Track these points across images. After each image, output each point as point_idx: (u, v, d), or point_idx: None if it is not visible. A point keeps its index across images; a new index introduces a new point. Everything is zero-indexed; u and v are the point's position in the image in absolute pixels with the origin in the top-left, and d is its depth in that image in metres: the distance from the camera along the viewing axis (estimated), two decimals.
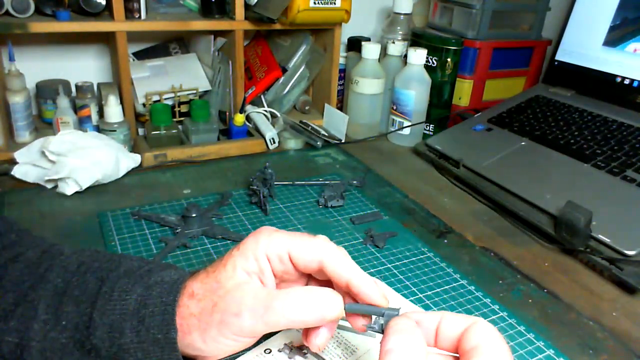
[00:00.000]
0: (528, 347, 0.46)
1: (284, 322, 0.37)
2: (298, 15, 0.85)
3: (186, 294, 0.38)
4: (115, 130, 0.78)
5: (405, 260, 0.58)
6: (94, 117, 0.83)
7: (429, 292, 0.53)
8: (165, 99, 0.89)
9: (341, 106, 1.06)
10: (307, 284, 0.43)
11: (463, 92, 0.98)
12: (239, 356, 0.42)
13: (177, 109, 0.90)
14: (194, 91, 0.91)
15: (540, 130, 0.83)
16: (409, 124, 0.92)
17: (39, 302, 0.37)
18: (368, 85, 0.92)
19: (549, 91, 0.96)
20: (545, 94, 0.95)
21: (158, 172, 0.77)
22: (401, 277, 0.55)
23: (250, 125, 0.92)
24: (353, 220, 0.66)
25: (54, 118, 0.81)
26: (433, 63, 0.93)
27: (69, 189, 0.68)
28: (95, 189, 0.70)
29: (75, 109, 0.83)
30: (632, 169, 0.70)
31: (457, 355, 0.32)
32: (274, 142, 0.88)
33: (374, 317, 0.37)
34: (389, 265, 0.57)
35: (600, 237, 0.60)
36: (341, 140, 0.93)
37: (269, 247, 0.39)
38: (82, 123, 0.83)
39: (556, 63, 0.97)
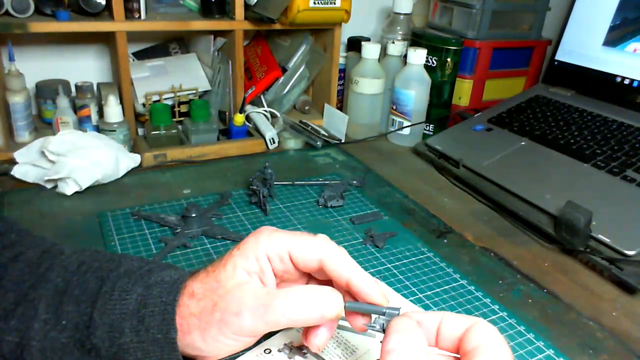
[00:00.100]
0: (528, 347, 0.46)
1: (284, 321, 0.37)
2: (298, 15, 0.85)
3: (186, 294, 0.38)
4: (115, 130, 0.78)
5: (405, 260, 0.58)
6: (94, 117, 0.83)
7: (429, 292, 0.53)
8: (165, 99, 0.89)
9: (341, 106, 1.06)
10: (307, 284, 0.43)
11: (463, 92, 0.98)
12: (239, 356, 0.42)
13: (177, 109, 0.90)
14: (194, 91, 0.91)
15: (540, 130, 0.83)
16: (409, 124, 0.92)
17: (40, 301, 0.37)
18: (368, 85, 0.92)
19: (549, 91, 0.96)
20: (545, 94, 0.95)
21: (158, 172, 0.77)
22: (401, 277, 0.55)
23: (250, 125, 0.92)
24: (353, 220, 0.66)
25: (54, 118, 0.81)
26: (433, 63, 0.93)
27: (68, 189, 0.68)
28: (95, 189, 0.70)
29: (75, 109, 0.83)
30: (632, 169, 0.70)
31: (458, 355, 0.32)
32: (274, 142, 0.88)
33: (374, 316, 0.37)
34: (389, 265, 0.57)
35: (600, 237, 0.60)
36: (341, 140, 0.93)
37: (270, 246, 0.39)
38: (81, 123, 0.83)
39: (556, 63, 0.97)
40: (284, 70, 0.97)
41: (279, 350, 0.43)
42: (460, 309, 0.51)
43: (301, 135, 0.91)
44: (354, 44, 1.03)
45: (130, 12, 0.81)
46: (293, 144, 0.90)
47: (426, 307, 0.51)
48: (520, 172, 0.74)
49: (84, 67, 0.94)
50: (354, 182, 0.76)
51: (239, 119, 0.86)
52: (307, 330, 0.39)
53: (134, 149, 0.81)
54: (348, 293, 0.39)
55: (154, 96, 0.88)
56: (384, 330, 0.35)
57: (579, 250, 0.61)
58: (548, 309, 0.53)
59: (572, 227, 0.60)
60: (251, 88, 0.95)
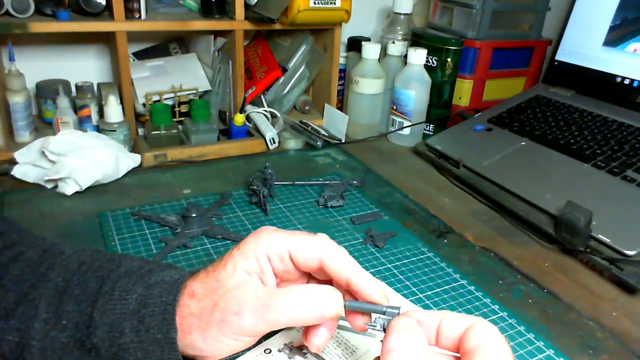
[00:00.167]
0: (528, 347, 0.46)
1: (284, 320, 0.37)
2: (298, 15, 0.85)
3: (186, 294, 0.38)
4: (115, 130, 0.78)
5: (405, 260, 0.58)
6: (94, 117, 0.83)
7: (429, 292, 0.53)
8: (165, 99, 0.89)
9: (341, 106, 1.06)
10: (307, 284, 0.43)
11: (463, 92, 0.98)
12: (239, 356, 0.42)
13: (177, 109, 0.91)
14: (194, 91, 0.91)
15: (540, 130, 0.83)
16: (409, 124, 0.92)
17: (40, 301, 0.37)
18: (368, 85, 0.92)
19: (549, 91, 0.96)
20: (545, 94, 0.95)
21: (158, 172, 0.77)
22: (401, 277, 0.55)
23: (250, 125, 0.92)
24: (353, 220, 0.66)
25: (54, 118, 0.81)
26: (433, 63, 0.93)
27: (69, 189, 0.68)
28: (95, 189, 0.70)
29: (75, 109, 0.83)
30: (632, 169, 0.70)
31: (458, 355, 0.32)
32: (274, 142, 0.88)
33: (374, 315, 0.37)
34: (389, 265, 0.57)
35: (600, 237, 0.60)
36: (341, 140, 0.93)
37: (270, 246, 0.39)
38: (82, 123, 0.83)
39: (556, 63, 0.97)
40: (284, 70, 0.97)
41: (279, 350, 0.43)
42: (460, 309, 0.51)
43: (301, 135, 0.91)
44: (354, 44, 1.03)
45: (130, 12, 0.81)
46: (293, 144, 0.90)
47: (426, 307, 0.51)
48: (520, 172, 0.74)
49: (84, 67, 0.94)
50: (354, 182, 0.76)
51: (239, 119, 0.86)
52: (307, 330, 0.39)
53: (134, 149, 0.81)
54: (348, 292, 0.39)
55: (154, 96, 0.88)
56: (384, 330, 0.35)
57: (579, 250, 0.61)
58: (548, 309, 0.53)
59: (572, 227, 0.60)
60: (251, 88, 0.95)
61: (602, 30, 0.89)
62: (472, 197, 0.76)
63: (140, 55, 0.95)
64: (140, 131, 0.89)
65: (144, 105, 0.88)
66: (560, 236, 0.63)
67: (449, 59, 0.92)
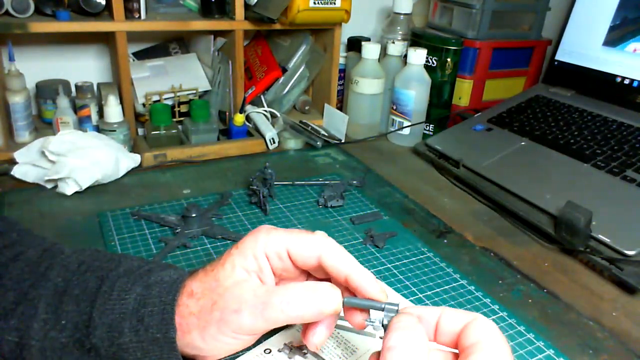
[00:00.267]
0: (528, 347, 0.46)
1: (283, 317, 0.37)
2: (298, 15, 0.85)
3: (185, 293, 0.38)
4: (115, 130, 0.78)
5: (405, 260, 0.58)
6: (94, 117, 0.83)
7: (429, 292, 0.53)
8: (165, 99, 0.89)
9: (341, 106, 1.06)
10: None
11: (463, 92, 0.98)
12: (238, 356, 0.42)
13: (177, 109, 0.90)
14: (194, 91, 0.91)
15: (540, 130, 0.83)
16: (409, 124, 0.92)
17: (39, 301, 0.37)
18: (368, 85, 0.92)
19: (549, 91, 0.96)
20: (545, 94, 0.95)
21: (158, 172, 0.77)
22: (401, 277, 0.55)
23: (250, 125, 0.92)
24: (353, 220, 0.66)
25: (54, 118, 0.81)
26: (433, 63, 0.93)
27: (68, 189, 0.68)
28: (95, 189, 0.70)
29: (75, 109, 0.83)
30: (632, 169, 0.70)
31: (457, 351, 0.32)
32: (274, 142, 0.88)
33: (372, 312, 0.37)
34: (389, 265, 0.57)
35: (600, 237, 0.60)
36: (341, 140, 0.93)
37: (268, 245, 0.39)
38: (82, 123, 0.83)
39: (556, 63, 0.97)
40: (284, 70, 0.97)
41: (279, 350, 0.43)
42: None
43: (301, 135, 0.91)
44: (354, 44, 1.03)
45: (130, 12, 0.81)
46: (293, 144, 0.90)
47: None
48: (520, 172, 0.74)
49: (84, 67, 0.94)
50: (354, 182, 0.76)
51: (239, 119, 0.86)
52: (305, 329, 0.39)
53: (134, 149, 0.81)
54: (347, 290, 0.39)
55: (154, 96, 0.88)
56: (383, 326, 0.35)
57: (579, 250, 0.61)
58: (548, 309, 0.53)
59: (572, 227, 0.60)
60: (251, 88, 0.95)
61: (602, 30, 0.89)
62: (472, 197, 0.76)
63: (140, 55, 0.95)
64: (140, 131, 0.89)
65: (143, 105, 0.88)
66: (560, 236, 0.63)
67: (448, 59, 0.92)
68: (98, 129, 0.80)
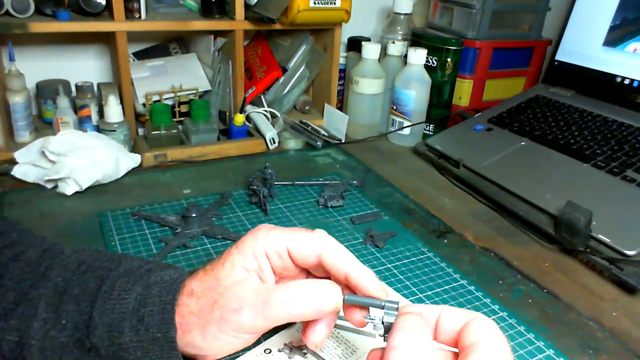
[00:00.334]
0: (528, 347, 0.46)
1: (283, 315, 0.37)
2: (298, 15, 0.85)
3: (185, 293, 0.38)
4: (115, 130, 0.78)
5: (405, 260, 0.58)
6: (94, 117, 0.83)
7: (429, 292, 0.53)
8: (165, 99, 0.89)
9: (341, 106, 1.06)
10: None
11: (463, 92, 0.98)
12: (238, 356, 0.42)
13: (177, 109, 0.91)
14: (194, 91, 0.91)
15: (540, 130, 0.83)
16: (409, 124, 0.92)
17: (40, 300, 0.37)
18: (368, 85, 0.92)
19: (549, 91, 0.96)
20: (545, 94, 0.95)
21: (158, 172, 0.77)
22: (401, 277, 0.55)
23: (250, 125, 0.92)
24: (353, 220, 0.66)
25: (54, 118, 0.81)
26: (433, 63, 0.93)
27: (69, 189, 0.68)
28: (95, 189, 0.70)
29: (75, 109, 0.83)
30: (632, 169, 0.70)
31: (456, 350, 0.32)
32: (274, 142, 0.88)
33: (372, 310, 0.37)
34: (389, 265, 0.57)
35: (600, 237, 0.60)
36: (341, 140, 0.93)
37: (268, 244, 0.39)
38: (82, 123, 0.83)
39: (556, 63, 0.97)
40: (284, 70, 0.97)
41: (279, 350, 0.43)
42: None
43: (301, 135, 0.91)
44: (354, 44, 1.03)
45: (130, 12, 0.81)
46: (293, 144, 0.90)
47: None
48: (520, 172, 0.74)
49: (84, 67, 0.94)
50: (354, 182, 0.76)
51: (239, 119, 0.86)
52: (305, 327, 0.39)
53: (134, 149, 0.81)
54: (347, 288, 0.39)
55: (154, 96, 0.88)
56: (383, 324, 0.35)
57: (579, 250, 0.61)
58: (548, 309, 0.53)
59: (572, 227, 0.60)
60: (251, 88, 0.95)
61: (602, 30, 0.89)
62: (472, 197, 0.76)
63: (140, 55, 0.95)
64: (140, 131, 0.89)
65: (144, 105, 0.88)
66: (560, 236, 0.63)
67: (449, 59, 0.92)
68: (98, 129, 0.80)
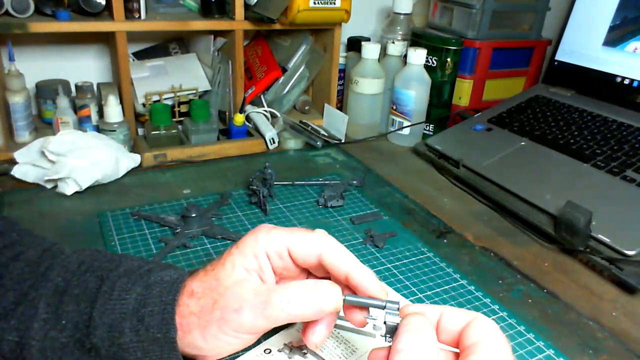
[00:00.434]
0: (528, 347, 0.46)
1: (283, 315, 0.37)
2: (298, 15, 0.85)
3: (186, 293, 0.38)
4: (115, 130, 0.78)
5: (405, 260, 0.58)
6: (94, 117, 0.83)
7: (429, 292, 0.53)
8: (165, 99, 0.89)
9: (341, 106, 1.06)
10: None
11: (463, 92, 0.98)
12: (238, 356, 0.42)
13: (177, 109, 0.90)
14: (194, 91, 0.91)
15: (540, 130, 0.83)
16: (409, 124, 0.92)
17: (40, 301, 0.37)
18: (368, 85, 0.92)
19: (549, 91, 0.96)
20: (545, 94, 0.95)
21: (158, 172, 0.77)
22: (401, 277, 0.55)
23: (250, 125, 0.92)
24: (353, 220, 0.66)
25: (54, 118, 0.81)
26: (433, 63, 0.93)
27: (68, 189, 0.68)
28: (95, 189, 0.70)
29: (75, 109, 0.83)
30: (632, 169, 0.70)
31: (457, 350, 0.32)
32: (274, 142, 0.88)
33: (372, 310, 0.37)
34: (389, 265, 0.57)
35: (600, 237, 0.60)
36: (341, 140, 0.93)
37: (268, 244, 0.39)
38: (82, 123, 0.83)
39: (556, 63, 0.97)
40: (284, 70, 0.97)
41: (279, 350, 0.43)
42: None
43: (301, 135, 0.91)
44: (354, 44, 1.03)
45: (130, 12, 0.81)
46: (293, 144, 0.90)
47: None
48: (520, 172, 0.74)
49: (84, 67, 0.94)
50: (354, 182, 0.76)
51: (239, 119, 0.86)
52: (305, 327, 0.39)
53: (134, 149, 0.81)
54: (347, 288, 0.39)
55: (154, 96, 0.88)
56: (385, 324, 0.35)
57: (579, 250, 0.61)
58: (548, 309, 0.53)
59: (572, 227, 0.60)
60: (251, 88, 0.95)
61: (602, 30, 0.89)
62: (472, 197, 0.76)
63: (140, 55, 0.95)
64: (140, 131, 0.89)
65: (143, 105, 0.88)
66: (560, 236, 0.63)
67: (448, 59, 0.92)
68: (98, 129, 0.80)
